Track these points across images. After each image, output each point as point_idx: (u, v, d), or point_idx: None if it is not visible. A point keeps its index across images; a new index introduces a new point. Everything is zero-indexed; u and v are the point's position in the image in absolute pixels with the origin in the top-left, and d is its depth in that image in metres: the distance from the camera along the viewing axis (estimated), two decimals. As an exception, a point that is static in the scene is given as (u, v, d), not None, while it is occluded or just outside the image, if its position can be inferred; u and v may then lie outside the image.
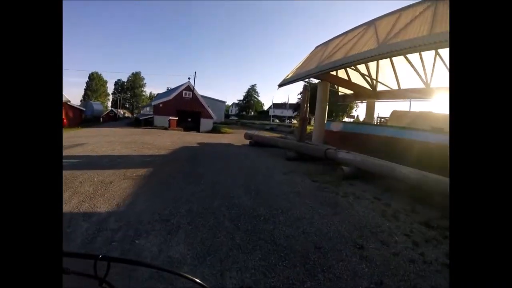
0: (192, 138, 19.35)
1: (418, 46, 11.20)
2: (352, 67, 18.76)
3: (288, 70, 25.33)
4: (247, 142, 18.07)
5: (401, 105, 23.45)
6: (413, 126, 13.53)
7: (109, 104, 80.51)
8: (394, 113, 16.66)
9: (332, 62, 16.84)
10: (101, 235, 4.18)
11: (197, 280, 0.89)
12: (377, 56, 13.33)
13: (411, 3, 14.66)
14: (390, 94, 23.68)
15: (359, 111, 58.16)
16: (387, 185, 8.00)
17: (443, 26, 10.93)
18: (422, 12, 13.10)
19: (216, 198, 6.15)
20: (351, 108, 57.60)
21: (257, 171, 9.13)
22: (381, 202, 6.49)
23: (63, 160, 8.53)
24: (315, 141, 17.36)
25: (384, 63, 21.46)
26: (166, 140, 17.25)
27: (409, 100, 23.11)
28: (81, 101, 59.46)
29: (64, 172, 7.00)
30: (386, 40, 13.65)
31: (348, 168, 9.11)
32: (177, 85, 39.43)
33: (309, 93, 15.73)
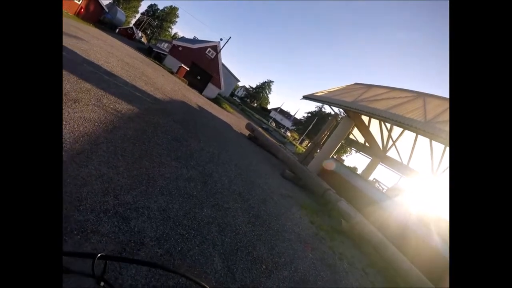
0: (193, 97, 17.29)
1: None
2: (378, 120, 18.29)
3: (311, 89, 24.25)
4: (244, 130, 16.43)
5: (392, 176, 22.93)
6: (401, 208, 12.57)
7: (133, 21, 75.65)
8: (394, 188, 15.37)
9: (371, 108, 16.31)
10: None
11: (200, 281, 0.87)
12: (421, 131, 13.07)
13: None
14: (395, 165, 23.26)
15: (349, 157, 58.64)
16: (372, 255, 7.69)
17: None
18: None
19: (207, 202, 4.40)
20: (345, 152, 57.28)
21: (255, 180, 7.51)
22: (369, 279, 6.07)
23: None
24: (310, 168, 16.64)
25: (407, 134, 21.07)
26: (167, 84, 15.12)
27: (409, 178, 22.67)
28: (109, 3, 55.45)
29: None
30: (434, 120, 13.38)
31: (346, 224, 8.50)
32: (206, 39, 36.67)
33: (336, 123, 14.28)
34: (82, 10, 26.47)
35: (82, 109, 4.82)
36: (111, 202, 2.98)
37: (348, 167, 26.28)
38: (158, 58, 32.12)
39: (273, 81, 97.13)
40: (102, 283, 0.81)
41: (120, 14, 47.11)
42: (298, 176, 11.33)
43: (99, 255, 0.80)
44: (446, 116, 13.46)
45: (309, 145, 14.49)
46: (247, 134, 15.83)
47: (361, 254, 7.46)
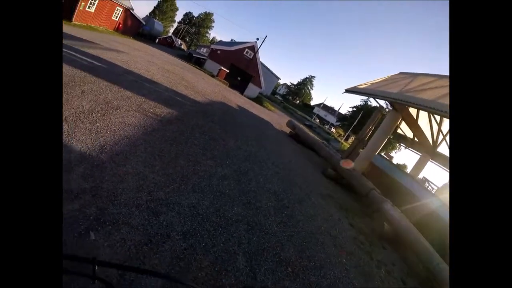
0: (234, 97, 17.55)
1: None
2: (428, 112, 17.02)
3: (356, 82, 23.53)
4: (285, 128, 16.23)
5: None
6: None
7: (171, 31, 79.16)
8: (445, 186, 14.20)
9: (418, 98, 15.21)
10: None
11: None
12: None
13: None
14: (447, 162, 21.49)
15: (398, 153, 55.71)
16: (415, 264, 7.32)
17: None
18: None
19: (238, 200, 4.41)
20: (394, 147, 54.44)
21: (293, 178, 7.35)
22: None
23: (84, 54, 6.81)
24: (356, 167, 16.05)
25: None
26: (207, 86, 15.52)
27: None
28: (146, 16, 58.55)
29: (75, 73, 5.39)
30: None
31: (389, 227, 8.00)
32: (243, 41, 37.07)
33: (382, 116, 13.63)
34: (120, 25, 28.27)
35: (123, 115, 5.13)
36: (144, 197, 3.16)
37: (396, 165, 25.04)
38: (198, 63, 33.13)
39: (314, 76, 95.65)
40: (96, 281, 0.83)
41: (158, 25, 49.41)
42: (341, 174, 10.94)
43: (93, 258, 0.80)
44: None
45: (353, 141, 14.05)
46: (288, 132, 15.73)
47: (403, 262, 7.05)
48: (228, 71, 30.99)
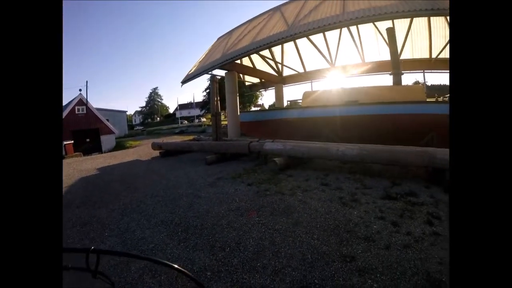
0: (91, 164, 15.85)
1: (338, 22, 11.81)
2: (257, 55, 18.89)
3: (189, 68, 24.14)
4: (156, 153, 15.71)
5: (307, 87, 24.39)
6: (327, 103, 13.52)
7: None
8: (306, 94, 16.21)
9: (239, 49, 16.55)
10: None
11: (191, 274, 0.93)
12: (290, 37, 13.59)
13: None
14: (297, 78, 24.56)
15: (264, 99, 60.09)
16: (324, 165, 8.39)
17: (356, 5, 12.00)
18: (329, -5, 14.28)
19: (131, 258, 4.10)
20: (257, 97, 58.45)
21: (176, 192, 7.13)
22: (332, 188, 6.19)
23: None
24: (231, 136, 16.91)
25: (288, 48, 22.09)
26: (56, 173, 13.63)
27: (315, 81, 24.17)
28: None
29: None
30: (296, 22, 14.07)
31: (281, 159, 8.58)
32: (68, 101, 33.14)
33: (218, 84, 14.34)
34: None
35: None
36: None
37: (266, 108, 27.12)
38: (37, 155, 28.72)
39: (157, 87, 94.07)
40: (97, 276, 0.85)
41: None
42: (221, 152, 11.28)
43: (91, 248, 0.85)
44: (306, 11, 14.45)
45: (211, 120, 14.57)
46: (159, 153, 15.29)
47: (313, 172, 7.68)
48: (72, 141, 27.36)
